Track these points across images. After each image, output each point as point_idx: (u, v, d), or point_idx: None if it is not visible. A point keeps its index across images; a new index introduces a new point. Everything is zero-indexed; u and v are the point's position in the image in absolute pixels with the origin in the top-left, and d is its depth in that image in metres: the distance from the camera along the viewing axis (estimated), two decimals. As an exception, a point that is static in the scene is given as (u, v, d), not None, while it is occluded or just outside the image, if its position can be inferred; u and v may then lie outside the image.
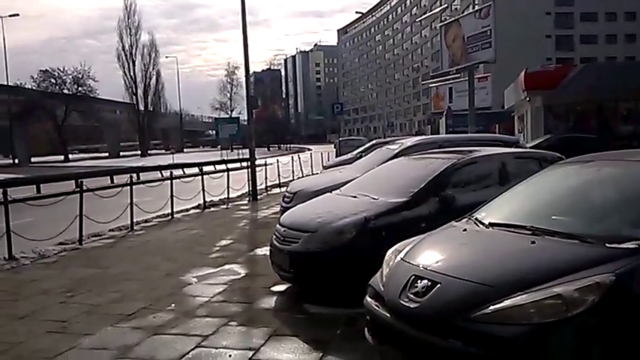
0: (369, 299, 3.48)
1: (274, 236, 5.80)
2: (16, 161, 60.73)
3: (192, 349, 4.20)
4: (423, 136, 15.87)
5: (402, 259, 3.51)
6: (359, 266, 4.82)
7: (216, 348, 4.21)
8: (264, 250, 7.72)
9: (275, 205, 13.39)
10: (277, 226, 5.93)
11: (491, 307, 2.73)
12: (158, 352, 4.19)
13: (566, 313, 2.59)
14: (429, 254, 3.46)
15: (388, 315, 3.18)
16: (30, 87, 64.10)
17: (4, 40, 70.53)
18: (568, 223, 3.37)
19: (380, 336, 3.28)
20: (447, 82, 32.98)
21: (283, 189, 17.65)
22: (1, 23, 44.91)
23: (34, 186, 20.58)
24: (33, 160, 63.40)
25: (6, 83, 52.51)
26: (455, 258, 3.40)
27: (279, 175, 19.38)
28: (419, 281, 3.11)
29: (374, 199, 5.60)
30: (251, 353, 4.07)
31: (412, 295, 3.06)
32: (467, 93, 24.31)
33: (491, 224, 3.62)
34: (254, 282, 6.29)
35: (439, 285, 3.01)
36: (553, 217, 3.54)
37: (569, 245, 3.03)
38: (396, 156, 8.29)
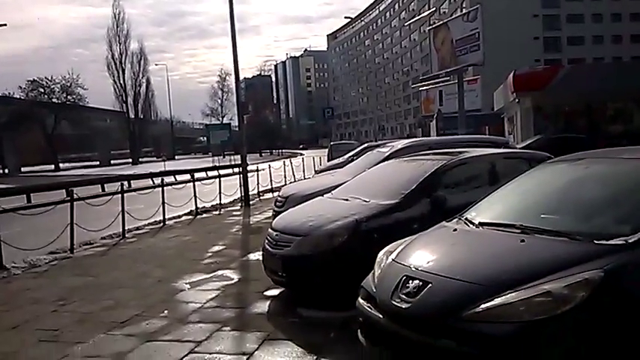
0: (361, 301, 3.49)
1: (266, 240, 5.80)
2: (6, 171, 60.37)
3: (186, 355, 4.19)
4: (414, 139, 15.94)
5: (393, 260, 3.53)
6: (351, 269, 4.81)
7: (210, 353, 4.21)
8: (257, 255, 7.72)
9: (267, 210, 13.38)
10: (269, 230, 5.93)
11: (482, 306, 2.75)
12: (152, 358, 4.18)
13: (556, 310, 2.62)
14: (420, 255, 3.48)
15: (380, 316, 3.19)
16: (18, 97, 63.70)
17: (-9, 50, 69.64)
18: (556, 221, 3.40)
19: (373, 337, 3.29)
20: (437, 85, 33.12)
21: (276, 194, 17.61)
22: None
23: (25, 196, 20.46)
24: (23, 169, 62.97)
25: (-6, 93, 52.01)
26: (446, 258, 3.42)
27: (271, 180, 19.37)
28: (410, 281, 3.13)
29: (365, 201, 5.62)
30: (245, 358, 4.07)
31: (404, 296, 3.08)
32: (457, 96, 24.47)
33: (481, 224, 3.65)
34: (247, 287, 6.28)
35: (430, 285, 3.02)
36: (542, 216, 3.57)
37: (557, 243, 3.07)
38: (386, 159, 8.32)
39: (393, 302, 3.10)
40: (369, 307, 3.36)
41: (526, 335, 2.61)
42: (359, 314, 3.45)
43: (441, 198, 5.36)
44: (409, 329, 2.95)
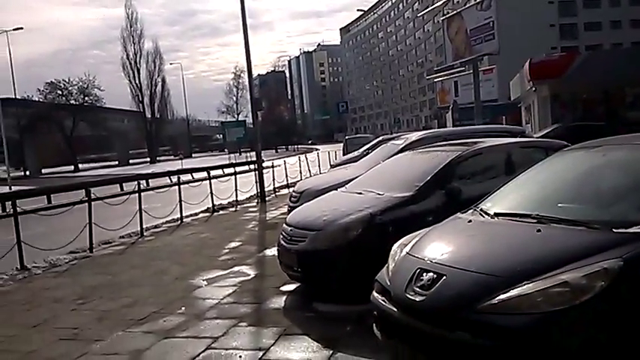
0: (375, 294, 3.46)
1: (281, 236, 5.80)
2: (27, 173, 61.47)
3: (203, 352, 4.20)
4: (428, 130, 15.80)
5: (407, 252, 3.49)
6: (366, 262, 4.79)
7: (227, 349, 4.22)
8: (274, 251, 7.71)
9: (283, 206, 13.38)
10: (284, 225, 5.93)
11: (498, 298, 2.70)
12: (169, 355, 4.20)
13: (574, 300, 2.56)
14: (434, 247, 3.44)
15: (395, 309, 3.16)
16: (37, 99, 64.69)
17: (10, 54, 70.92)
18: (574, 210, 3.33)
19: (388, 330, 3.26)
20: (452, 75, 32.75)
21: (291, 189, 17.68)
22: (6, 37, 45.27)
23: (45, 197, 20.80)
24: (44, 171, 64.07)
25: (14, 97, 52.90)
26: (460, 250, 3.37)
27: (286, 175, 19.40)
28: (424, 274, 3.09)
29: (379, 194, 5.58)
30: (261, 353, 4.07)
31: (418, 289, 3.04)
32: (472, 86, 24.20)
33: (496, 214, 3.59)
34: (263, 282, 6.29)
35: (444, 277, 2.98)
36: (559, 205, 3.50)
37: (575, 232, 3.00)
38: (401, 151, 8.26)
39: (407, 295, 3.07)
40: (383, 300, 3.33)
41: (543, 326, 2.56)
42: (373, 308, 3.43)
43: (456, 189, 5.30)
44: (423, 322, 2.92)
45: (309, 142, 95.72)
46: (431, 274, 3.06)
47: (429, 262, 3.21)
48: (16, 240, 8.16)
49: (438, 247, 3.43)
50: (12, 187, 32.43)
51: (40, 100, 65.08)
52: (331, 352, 3.97)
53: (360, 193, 5.89)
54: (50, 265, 8.29)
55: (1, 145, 40.33)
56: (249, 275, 6.70)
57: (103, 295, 6.28)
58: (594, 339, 2.52)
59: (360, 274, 4.79)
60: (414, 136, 9.92)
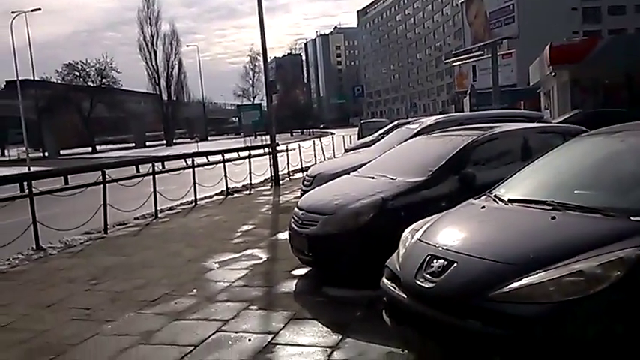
0: (385, 280, 3.42)
1: (293, 220, 5.78)
2: (46, 154, 62.29)
3: (213, 334, 4.22)
4: (443, 115, 15.59)
5: (418, 238, 3.43)
6: (377, 248, 4.75)
7: (236, 332, 4.23)
8: (286, 235, 7.71)
9: (297, 190, 13.34)
10: (295, 209, 5.90)
11: (510, 286, 2.64)
12: (179, 337, 4.22)
13: (588, 290, 2.49)
14: (445, 233, 3.38)
15: (404, 296, 3.12)
16: (55, 80, 65.27)
17: (28, 35, 71.30)
18: (590, 197, 3.24)
19: (397, 317, 3.22)
20: (471, 60, 32.34)
21: (305, 173, 17.66)
22: (25, 19, 45.51)
23: (62, 178, 21.07)
24: (62, 152, 64.91)
25: (32, 78, 53.41)
26: (472, 236, 3.31)
27: (301, 159, 19.37)
28: (435, 261, 3.04)
29: (392, 179, 5.51)
30: (270, 337, 4.07)
31: (428, 275, 2.99)
32: (490, 70, 23.84)
33: (510, 201, 3.51)
34: (275, 266, 6.30)
35: (455, 264, 2.92)
36: (575, 192, 3.41)
37: (591, 220, 2.92)
38: (415, 135, 8.16)
39: (417, 282, 3.02)
40: (393, 286, 3.28)
41: (556, 316, 2.50)
42: (383, 294, 3.39)
43: (470, 175, 5.20)
44: (433, 309, 2.87)
45: (321, 126, 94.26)
46: (442, 260, 3.01)
47: (440, 248, 3.15)
48: (32, 220, 8.26)
49: (449, 233, 3.37)
50: (30, 167, 32.93)
51: (58, 81, 65.69)
52: (340, 336, 3.96)
53: (373, 178, 5.83)
54: (65, 246, 8.39)
55: (19, 127, 40.86)
56: (260, 258, 6.70)
57: (117, 276, 6.34)
58: (609, 330, 2.45)
59: (370, 259, 4.75)
60: (429, 120, 9.80)
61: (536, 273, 2.62)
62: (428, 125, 9.01)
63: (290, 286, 5.42)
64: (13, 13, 42.39)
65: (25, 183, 12.05)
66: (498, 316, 2.61)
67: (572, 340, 2.47)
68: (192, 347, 3.98)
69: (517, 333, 2.54)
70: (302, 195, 8.62)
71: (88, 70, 66.39)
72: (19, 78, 41.92)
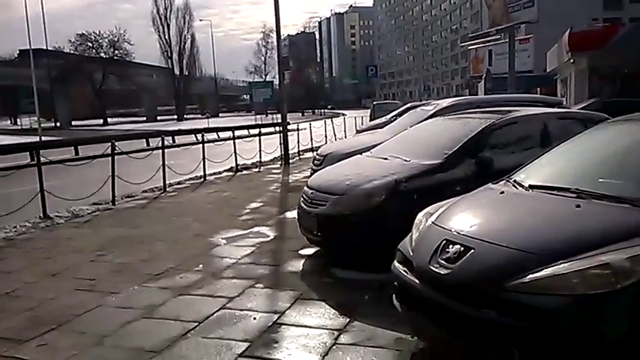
0: (397, 264, 3.30)
1: (302, 198, 5.66)
2: (58, 124, 62.50)
3: (217, 311, 4.14)
4: (459, 97, 15.33)
5: (433, 222, 3.30)
6: (389, 231, 4.62)
7: (241, 310, 4.14)
8: (294, 214, 7.61)
9: (307, 169, 13.24)
10: (305, 188, 5.78)
11: (530, 276, 2.50)
12: (183, 312, 4.14)
13: (615, 284, 2.35)
14: (462, 218, 3.24)
15: (417, 281, 3.00)
16: (68, 51, 65.14)
17: (42, 4, 70.89)
18: (617, 186, 3.08)
19: (408, 302, 3.11)
20: (487, 44, 31.72)
21: (315, 152, 17.53)
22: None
23: (73, 148, 21.09)
24: (74, 123, 65.07)
25: (45, 47, 53.25)
26: (491, 222, 3.17)
27: (311, 139, 19.23)
28: (450, 246, 2.91)
29: (406, 160, 5.37)
30: (276, 316, 3.98)
31: (443, 261, 2.87)
32: (507, 55, 23.38)
33: (531, 186, 3.36)
34: (282, 245, 6.20)
35: (472, 251, 2.79)
36: (600, 180, 3.25)
37: (618, 209, 2.76)
38: (430, 117, 7.97)
39: (431, 267, 2.90)
40: (404, 271, 3.17)
41: (578, 310, 2.37)
42: (394, 278, 3.27)
43: (487, 159, 5.05)
44: (447, 297, 2.74)
45: (329, 107, 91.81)
46: (458, 246, 2.87)
47: (455, 233, 3.02)
48: (40, 189, 8.21)
49: (466, 218, 3.23)
50: (42, 137, 33.00)
51: (71, 51, 65.51)
52: (348, 320, 3.85)
53: (386, 159, 5.68)
54: (72, 215, 8.35)
55: (32, 96, 40.87)
56: (268, 237, 6.61)
57: (123, 248, 6.29)
58: (635, 329, 2.31)
59: (381, 242, 4.63)
60: (445, 102, 9.60)
61: (560, 264, 2.48)
62: (443, 107, 8.81)
63: (297, 265, 5.32)
64: (27, -20, 42.01)
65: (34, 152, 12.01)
66: (517, 307, 2.48)
67: (595, 336, 2.35)
68: (196, 324, 3.90)
69: (536, 326, 2.41)
70: (312, 174, 8.52)
71: (100, 41, 66.19)
72: (32, 47, 41.80)
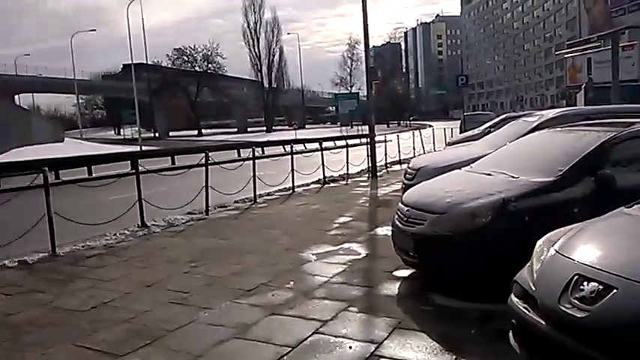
0: (515, 299, 2.91)
1: (397, 216, 5.34)
2: (156, 135, 66.44)
3: (310, 335, 3.91)
4: (566, 108, 14.30)
5: (557, 251, 2.89)
6: (495, 255, 4.24)
7: (335, 336, 3.88)
8: (385, 230, 7.34)
9: (395, 183, 12.93)
10: (400, 204, 5.45)
11: None
12: (275, 334, 3.96)
13: None
14: (594, 248, 2.80)
15: (542, 322, 2.60)
16: (166, 65, 69.10)
17: (142, 22, 75.91)
18: None
19: (531, 345, 2.71)
20: (586, 51, 29.79)
21: (404, 166, 17.06)
22: (140, 6, 48.38)
23: (169, 158, 22.13)
24: (171, 134, 68.88)
25: (145, 62, 56.80)
26: (632, 256, 2.70)
27: (399, 151, 18.82)
28: (585, 283, 2.49)
29: (513, 177, 4.90)
30: (373, 347, 3.67)
31: (577, 301, 2.45)
32: (609, 64, 21.74)
33: (679, 214, 2.86)
34: (375, 264, 5.92)
35: (615, 291, 2.36)
36: None
37: None
38: (534, 130, 7.37)
39: (562, 308, 2.49)
40: (525, 307, 2.78)
41: None
42: (512, 314, 2.89)
43: (609, 177, 4.49)
44: (587, 346, 2.33)
45: (411, 118, 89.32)
46: (594, 283, 2.45)
47: (590, 267, 2.59)
48: (138, 198, 8.51)
49: (600, 248, 2.79)
50: (142, 147, 35.05)
51: (168, 65, 69.46)
52: (454, 357, 3.47)
53: (489, 175, 5.24)
54: (168, 225, 8.58)
55: (133, 107, 43.63)
56: (359, 254, 6.35)
57: (215, 260, 6.29)
58: None
59: (486, 268, 4.26)
60: (550, 113, 8.89)
61: None
62: (549, 118, 8.15)
63: (392, 288, 4.99)
64: None
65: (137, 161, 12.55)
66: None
67: None
68: (289, 349, 3.69)
69: None
70: (404, 189, 8.18)
71: (195, 55, 69.77)
72: (134, 62, 44.70)
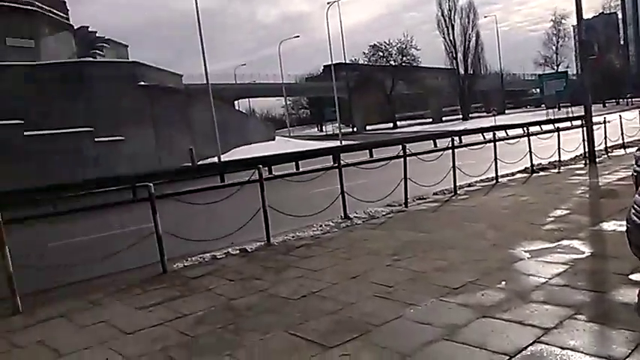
0: None
1: (633, 210, 4.50)
2: (354, 129, 69.32)
3: (530, 344, 3.46)
4: None
5: None
6: None
7: (562, 348, 3.37)
8: (613, 226, 6.42)
9: (620, 170, 11.32)
10: (636, 196, 4.59)
11: None
12: (489, 340, 3.60)
13: None
14: None
15: None
16: (362, 62, 71.38)
17: (340, 24, 79.56)
18: None
19: None
20: None
21: (629, 150, 14.87)
22: (337, 8, 50.49)
23: (367, 151, 22.73)
24: (367, 128, 71.24)
25: (344, 61, 59.26)
26: None
27: (622, 133, 16.42)
28: None
29: None
30: (612, 366, 3.12)
31: None
32: None
33: None
34: (604, 265, 5.12)
35: None
36: None
37: None
38: None
39: None
40: None
41: None
42: None
43: None
44: None
45: (628, 95, 76.54)
46: None
47: None
48: (340, 190, 8.76)
49: None
50: (342, 142, 36.71)
51: (365, 62, 71.59)
52: None
53: None
54: (369, 217, 8.69)
55: (334, 105, 45.92)
56: (582, 253, 5.56)
57: (417, 254, 6.12)
58: None
59: None
60: None
61: None
62: None
63: (629, 295, 4.20)
64: (328, 3, 47.32)
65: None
66: None
67: None
68: (507, 357, 3.31)
69: None
70: (636, 177, 7.05)
71: (390, 49, 70.55)
72: (333, 62, 46.98)
